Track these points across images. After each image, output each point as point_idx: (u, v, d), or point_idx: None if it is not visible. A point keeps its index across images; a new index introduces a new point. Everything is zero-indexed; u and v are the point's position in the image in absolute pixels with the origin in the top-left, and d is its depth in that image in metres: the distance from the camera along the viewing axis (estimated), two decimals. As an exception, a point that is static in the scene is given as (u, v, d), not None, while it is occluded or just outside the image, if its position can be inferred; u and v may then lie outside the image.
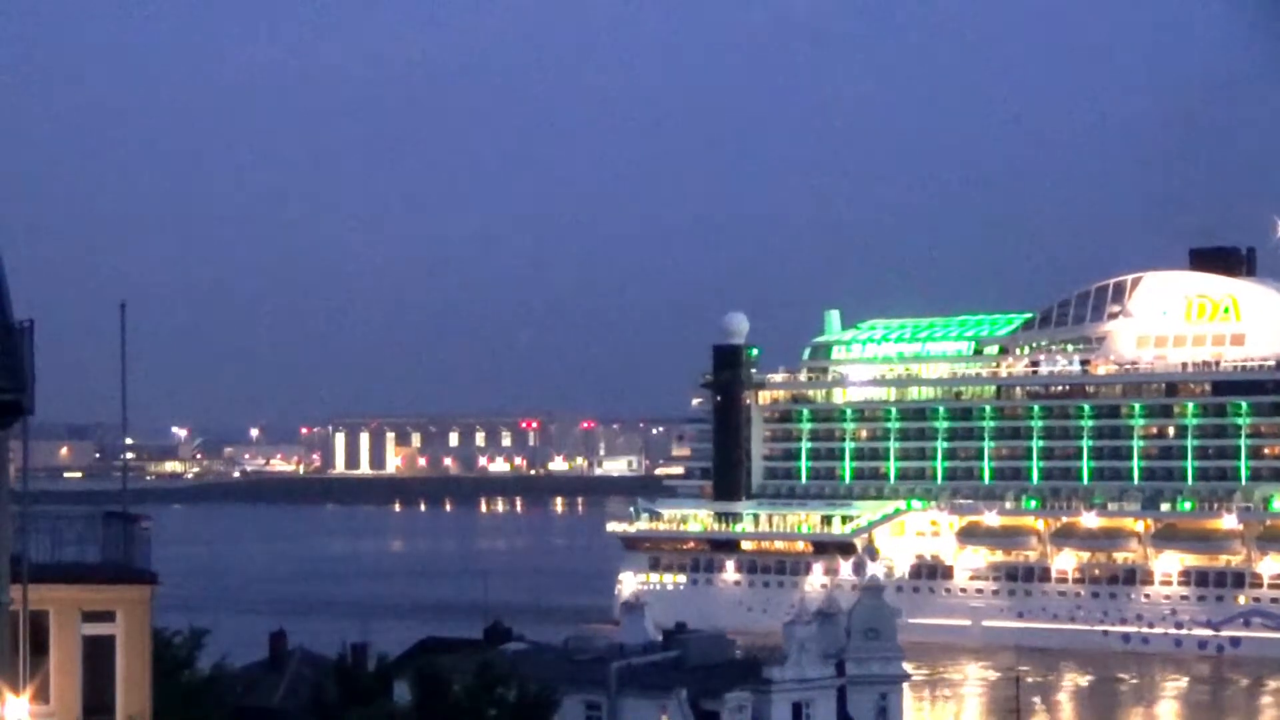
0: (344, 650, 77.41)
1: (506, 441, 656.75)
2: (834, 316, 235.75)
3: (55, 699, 37.85)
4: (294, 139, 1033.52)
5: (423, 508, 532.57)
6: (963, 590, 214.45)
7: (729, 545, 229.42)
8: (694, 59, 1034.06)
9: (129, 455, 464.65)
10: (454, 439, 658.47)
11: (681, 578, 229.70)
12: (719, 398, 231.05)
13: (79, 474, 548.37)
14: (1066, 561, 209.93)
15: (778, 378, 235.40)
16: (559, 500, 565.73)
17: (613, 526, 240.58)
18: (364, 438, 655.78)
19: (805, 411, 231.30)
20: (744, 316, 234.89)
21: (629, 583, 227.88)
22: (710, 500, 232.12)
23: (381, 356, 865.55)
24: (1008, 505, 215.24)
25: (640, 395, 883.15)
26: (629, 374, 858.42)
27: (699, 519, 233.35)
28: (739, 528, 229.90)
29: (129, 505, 41.66)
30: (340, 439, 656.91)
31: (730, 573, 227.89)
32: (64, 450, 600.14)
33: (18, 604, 35.18)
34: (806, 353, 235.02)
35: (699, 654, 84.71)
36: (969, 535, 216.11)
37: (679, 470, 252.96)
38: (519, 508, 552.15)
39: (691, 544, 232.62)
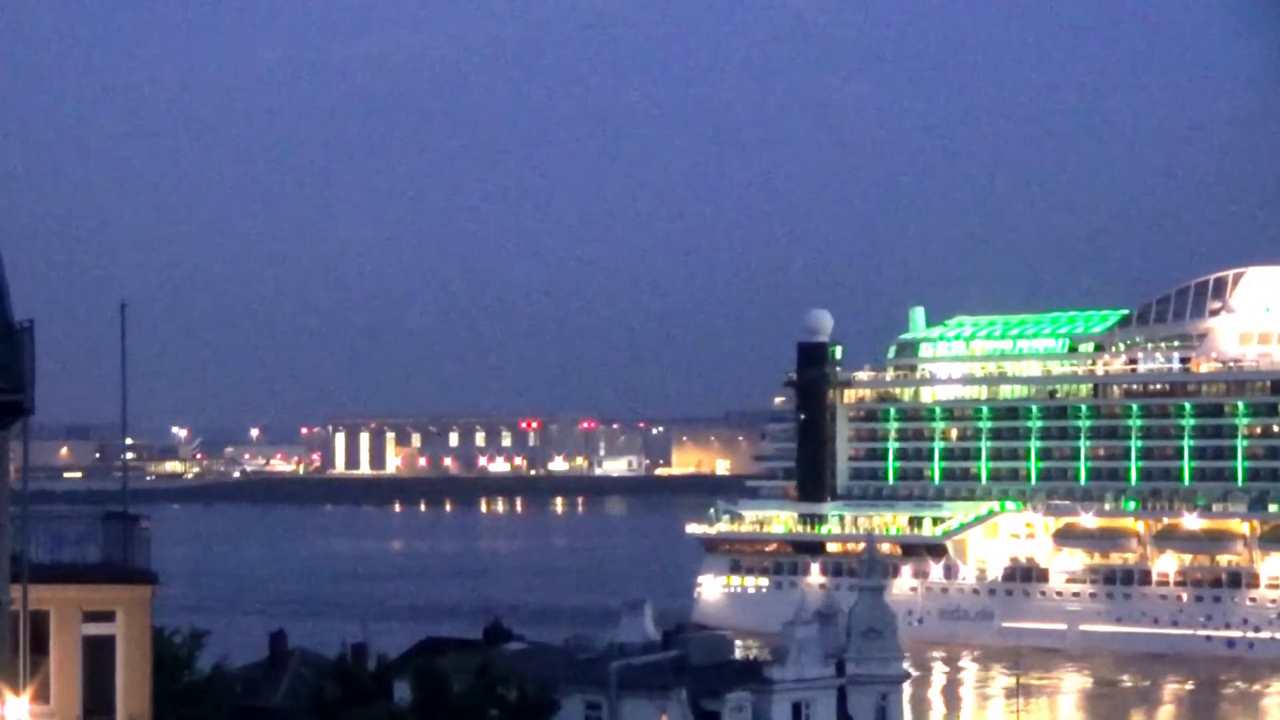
0: (344, 650, 77.49)
1: (506, 441, 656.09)
2: (918, 314, 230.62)
3: (55, 699, 37.83)
4: (294, 139, 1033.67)
5: (423, 508, 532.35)
6: (1059, 593, 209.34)
7: (813, 547, 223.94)
8: (718, 57, 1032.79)
9: (129, 455, 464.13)
10: (454, 439, 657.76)
11: (764, 581, 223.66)
12: (802, 396, 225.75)
13: (79, 474, 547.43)
14: (1168, 564, 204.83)
15: (863, 376, 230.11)
16: (559, 500, 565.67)
17: (692, 528, 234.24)
18: (364, 438, 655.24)
19: (892, 410, 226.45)
20: (828, 314, 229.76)
21: (709, 585, 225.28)
22: (794, 501, 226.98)
23: (381, 356, 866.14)
24: (1106, 507, 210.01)
25: (640, 395, 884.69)
26: (629, 374, 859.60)
27: (782, 520, 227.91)
28: (824, 529, 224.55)
29: (129, 505, 41.61)
30: (340, 439, 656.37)
31: (815, 575, 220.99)
32: (64, 450, 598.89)
33: (18, 604, 35.22)
34: (892, 350, 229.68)
35: (699, 654, 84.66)
36: (1065, 537, 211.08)
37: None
38: (519, 508, 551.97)
39: (774, 546, 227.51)
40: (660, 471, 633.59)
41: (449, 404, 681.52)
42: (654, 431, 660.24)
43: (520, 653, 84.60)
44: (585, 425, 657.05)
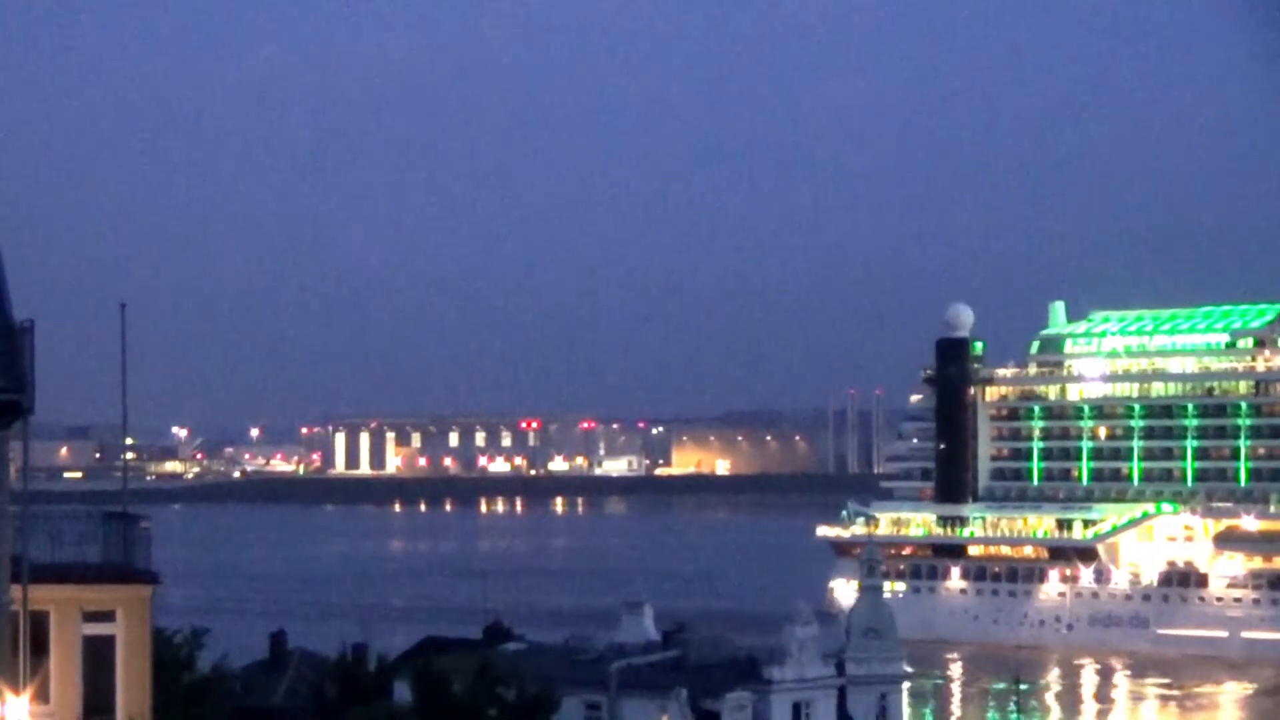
0: (344, 650, 77.42)
1: (506, 441, 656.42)
2: (1058, 308, 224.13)
3: (55, 699, 37.82)
4: (293, 139, 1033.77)
5: (423, 508, 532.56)
6: (1219, 599, 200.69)
7: (954, 551, 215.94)
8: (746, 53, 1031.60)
9: (129, 455, 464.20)
10: (454, 439, 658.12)
11: (900, 586, 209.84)
12: (942, 394, 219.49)
13: (79, 474, 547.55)
14: None
15: (1006, 373, 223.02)
16: (559, 500, 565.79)
17: (823, 530, 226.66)
18: (364, 438, 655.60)
19: (1037, 408, 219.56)
20: (969, 309, 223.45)
21: (841, 590, 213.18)
22: (932, 503, 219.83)
23: (381, 356, 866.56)
24: (1270, 509, 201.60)
25: (640, 395, 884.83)
26: (629, 374, 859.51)
27: (920, 523, 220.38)
28: (965, 532, 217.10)
29: (129, 505, 41.60)
30: (340, 439, 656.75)
31: (955, 580, 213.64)
32: (64, 450, 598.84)
33: (18, 604, 35.24)
34: (1035, 346, 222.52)
35: (699, 654, 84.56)
36: (1226, 540, 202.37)
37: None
38: (519, 508, 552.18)
39: (911, 550, 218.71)
40: (660, 471, 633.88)
41: (449, 404, 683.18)
42: (654, 431, 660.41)
43: (520, 653, 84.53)
44: (585, 425, 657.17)
